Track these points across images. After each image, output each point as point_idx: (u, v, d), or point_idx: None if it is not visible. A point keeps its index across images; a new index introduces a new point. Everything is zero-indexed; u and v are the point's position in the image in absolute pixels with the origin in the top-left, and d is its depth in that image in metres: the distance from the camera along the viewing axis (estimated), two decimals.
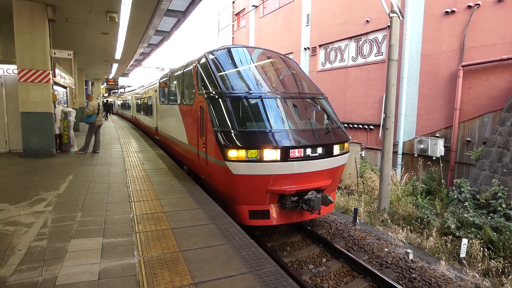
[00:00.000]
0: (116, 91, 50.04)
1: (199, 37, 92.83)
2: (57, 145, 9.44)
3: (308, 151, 5.21)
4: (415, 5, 10.94)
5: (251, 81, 6.20)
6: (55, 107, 9.44)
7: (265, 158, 4.94)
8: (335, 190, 6.50)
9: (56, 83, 10.77)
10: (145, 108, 15.29)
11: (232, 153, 4.99)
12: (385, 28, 11.96)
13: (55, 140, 9.26)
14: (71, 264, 3.07)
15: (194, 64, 6.89)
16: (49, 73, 8.71)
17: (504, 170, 7.38)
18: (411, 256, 5.70)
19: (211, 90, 5.81)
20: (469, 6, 9.39)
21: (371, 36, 12.93)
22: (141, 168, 7.48)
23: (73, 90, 16.45)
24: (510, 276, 5.52)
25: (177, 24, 15.81)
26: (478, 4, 9.21)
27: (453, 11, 9.84)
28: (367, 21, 12.76)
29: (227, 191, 5.44)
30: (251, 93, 5.67)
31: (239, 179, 5.09)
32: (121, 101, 31.54)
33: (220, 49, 6.87)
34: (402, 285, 4.81)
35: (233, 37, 24.20)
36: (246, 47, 7.23)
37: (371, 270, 4.97)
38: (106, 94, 49.90)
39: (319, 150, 5.36)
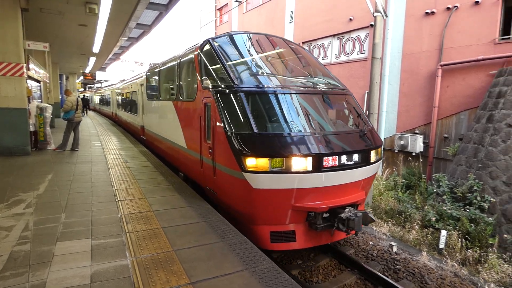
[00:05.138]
0: (92, 85, 48.38)
1: (180, 32, 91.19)
2: (32, 142, 9.01)
3: (344, 158, 4.30)
4: (397, 5, 11.20)
5: (268, 72, 5.30)
6: (29, 102, 9.00)
7: (293, 168, 4.01)
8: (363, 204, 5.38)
9: (29, 77, 10.27)
10: (128, 104, 13.99)
11: (252, 162, 4.05)
12: (368, 26, 12.18)
13: (30, 137, 8.83)
14: (60, 268, 2.95)
15: (196, 53, 5.77)
16: (22, 66, 8.28)
17: (479, 165, 7.73)
18: (395, 249, 5.89)
19: (220, 84, 4.85)
20: (448, 8, 9.73)
21: (354, 34, 13.14)
22: (124, 166, 7.27)
23: (47, 85, 15.75)
24: (486, 265, 5.82)
25: (159, 18, 15.39)
26: (457, 6, 9.55)
27: (433, 12, 10.16)
28: (350, 19, 12.95)
29: (244, 208, 4.48)
30: (273, 87, 4.69)
31: (260, 194, 4.14)
32: (99, 96, 30.31)
33: (224, 35, 5.84)
34: (387, 276, 4.95)
35: (215, 32, 23.92)
36: (251, 33, 6.13)
37: (358, 262, 5.10)
38: (82, 89, 48.13)
39: (355, 157, 4.44)
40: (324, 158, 4.13)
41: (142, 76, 10.93)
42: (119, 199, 4.97)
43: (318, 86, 5.28)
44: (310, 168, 4.06)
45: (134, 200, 4.95)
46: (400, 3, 11.12)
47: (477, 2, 9.09)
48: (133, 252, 3.28)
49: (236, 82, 4.62)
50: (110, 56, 22.63)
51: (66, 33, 12.73)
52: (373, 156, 4.75)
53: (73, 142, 9.26)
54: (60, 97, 22.92)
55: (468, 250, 6.31)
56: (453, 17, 9.65)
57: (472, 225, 6.77)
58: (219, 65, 5.04)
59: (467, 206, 7.31)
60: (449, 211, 7.15)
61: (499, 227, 6.93)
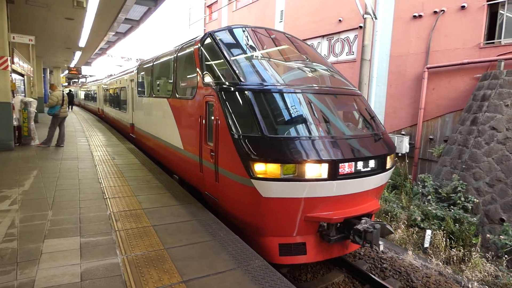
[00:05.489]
0: (77, 80, 47.32)
1: (168, 30, 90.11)
2: (15, 138, 8.75)
3: (360, 165, 3.98)
4: (386, 8, 11.38)
5: (276, 69, 4.97)
6: (13, 96, 8.74)
7: (306, 176, 3.68)
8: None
9: (14, 71, 9.97)
10: (117, 100, 13.32)
11: (262, 168, 3.69)
12: (357, 28, 12.33)
13: (14, 132, 8.57)
14: (49, 266, 2.88)
15: (196, 47, 5.36)
16: (7, 59, 8.03)
17: (463, 166, 7.96)
18: (381, 248, 5.99)
19: (224, 81, 4.49)
20: (435, 12, 9.94)
21: (343, 36, 13.28)
22: (112, 163, 7.16)
23: (31, 79, 15.32)
24: (470, 264, 6.00)
25: (147, 13, 15.20)
26: (443, 10, 9.77)
27: (420, 16, 10.37)
28: (340, 20, 13.08)
29: (250, 218, 4.13)
30: (283, 86, 4.34)
31: (270, 203, 3.81)
32: (85, 92, 29.54)
33: (226, 29, 5.49)
34: (374, 275, 5.04)
35: (204, 29, 23.75)
36: (252, 27, 5.73)
37: (347, 261, 5.17)
38: (66, 84, 47.02)
39: (372, 163, 4.12)
40: (340, 164, 3.79)
41: (132, 71, 10.47)
42: (107, 196, 4.89)
43: (329, 86, 4.95)
44: (325, 176, 3.73)
45: (123, 197, 4.88)
46: (388, 5, 11.30)
47: (463, 7, 9.33)
48: (124, 250, 3.23)
49: (242, 79, 4.26)
50: (96, 50, 22.20)
51: (52, 26, 12.41)
52: (388, 162, 4.47)
53: (58, 138, 9.05)
54: (47, 92, 22.34)
55: (452, 249, 6.49)
56: (440, 21, 9.88)
57: (456, 225, 6.96)
58: (222, 60, 4.65)
59: (452, 206, 7.51)
60: (434, 211, 7.33)
61: (482, 227, 7.15)
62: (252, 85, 4.21)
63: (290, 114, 4.16)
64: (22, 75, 13.15)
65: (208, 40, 5.14)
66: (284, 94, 4.24)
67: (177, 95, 6.06)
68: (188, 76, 5.83)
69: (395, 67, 11.19)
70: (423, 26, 10.33)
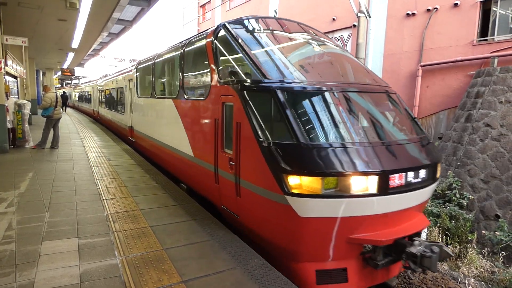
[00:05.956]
0: (70, 81, 46.94)
1: (161, 30, 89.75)
2: (10, 140, 8.67)
3: (410, 175, 3.37)
4: (379, 6, 11.45)
5: (305, 64, 4.34)
6: (7, 98, 8.65)
7: (352, 190, 3.08)
8: None
9: (7, 73, 9.87)
10: (114, 101, 12.73)
11: (299, 182, 3.10)
12: (351, 27, 12.39)
13: (8, 134, 8.49)
14: (48, 267, 2.86)
15: (209, 40, 4.70)
16: (0, 61, 7.95)
17: (458, 163, 8.04)
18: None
19: (245, 78, 3.89)
20: (428, 10, 10.03)
21: (337, 34, 13.33)
22: (107, 164, 7.12)
23: (24, 81, 15.17)
24: (466, 260, 6.06)
25: (141, 13, 15.12)
26: (436, 8, 9.86)
27: (413, 14, 10.45)
28: (334, 19, 13.13)
29: (284, 241, 3.48)
30: (320, 84, 3.75)
31: (309, 224, 3.20)
32: (79, 93, 29.20)
33: (239, 20, 4.73)
34: None
35: (198, 29, 23.71)
36: (264, 17, 5.12)
37: None
38: (59, 85, 46.64)
39: (423, 173, 3.50)
40: (390, 176, 3.20)
41: (130, 71, 9.86)
42: (104, 197, 4.87)
43: (366, 82, 4.27)
44: (374, 190, 3.13)
45: (120, 198, 4.85)
46: (382, 4, 11.38)
47: (456, 4, 9.42)
48: (122, 251, 3.22)
49: (269, 76, 3.63)
50: (89, 51, 22.04)
51: (44, 28, 12.31)
52: (438, 170, 3.88)
53: (52, 140, 8.98)
54: (40, 94, 22.14)
55: (448, 246, 6.55)
56: (433, 18, 9.96)
57: (452, 221, 7.02)
58: (241, 55, 4.02)
59: (447, 203, 7.59)
60: (429, 208, 7.40)
61: (478, 223, 7.23)
62: (284, 82, 3.56)
63: (329, 116, 3.50)
64: (15, 77, 13.02)
65: (223, 32, 4.49)
66: (322, 93, 3.62)
67: (184, 96, 5.44)
68: (198, 74, 5.25)
69: (389, 65, 11.27)
70: (416, 24, 10.41)
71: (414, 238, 3.44)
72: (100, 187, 5.40)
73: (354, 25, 10.97)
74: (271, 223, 3.51)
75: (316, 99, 3.60)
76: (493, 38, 9.08)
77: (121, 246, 3.34)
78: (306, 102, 3.58)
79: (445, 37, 9.71)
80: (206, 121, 4.62)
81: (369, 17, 8.49)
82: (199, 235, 3.71)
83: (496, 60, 8.38)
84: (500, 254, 6.22)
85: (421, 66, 10.16)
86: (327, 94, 3.62)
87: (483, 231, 6.83)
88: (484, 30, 9.29)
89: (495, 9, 9.11)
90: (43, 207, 4.39)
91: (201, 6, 23.72)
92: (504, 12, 9.04)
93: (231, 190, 3.96)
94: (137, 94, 8.72)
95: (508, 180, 7.18)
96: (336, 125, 3.44)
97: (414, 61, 10.49)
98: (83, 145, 9.62)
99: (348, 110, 3.67)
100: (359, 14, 8.28)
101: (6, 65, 8.86)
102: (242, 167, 3.71)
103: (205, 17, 23.50)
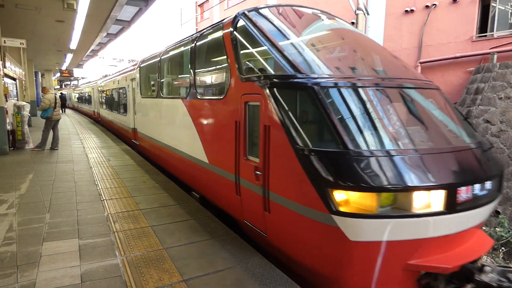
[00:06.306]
0: (69, 83, 46.96)
1: (159, 30, 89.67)
2: (10, 142, 8.68)
3: (477, 188, 2.76)
4: (377, 3, 11.43)
5: (341, 57, 3.82)
6: (6, 100, 8.66)
7: (414, 208, 2.53)
8: None
9: (5, 75, 9.87)
10: (115, 102, 12.22)
11: (349, 199, 2.56)
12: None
13: (8, 136, 8.50)
14: (49, 268, 2.88)
15: (227, 31, 4.08)
16: None
17: None
18: None
19: (274, 73, 3.39)
20: (427, 6, 10.02)
21: None
22: (107, 165, 7.13)
23: (23, 82, 15.18)
24: None
25: (139, 13, 15.13)
26: (435, 4, 9.84)
27: (412, 10, 10.44)
28: None
29: (328, 268, 2.86)
30: (368, 80, 3.15)
31: (361, 249, 2.64)
32: (79, 94, 29.11)
33: (256, 9, 4.08)
34: None
35: (196, 28, 23.70)
36: (281, 5, 4.38)
37: None
38: (58, 87, 46.65)
39: (488, 185, 2.88)
40: (457, 189, 2.62)
41: (133, 69, 9.35)
42: (104, 198, 4.88)
43: (409, 77, 3.62)
44: (440, 207, 2.57)
45: (120, 199, 4.86)
46: (380, 1, 11.36)
47: (455, 0, 9.41)
48: (123, 251, 3.23)
49: (303, 71, 3.07)
50: (87, 52, 22.03)
51: (43, 29, 12.31)
52: (503, 180, 3.32)
53: (52, 141, 8.99)
54: (39, 95, 22.16)
55: None
56: (432, 15, 9.95)
57: None
58: (265, 47, 3.49)
59: None
60: None
61: None
62: (324, 78, 3.02)
63: (384, 118, 2.89)
64: (14, 79, 13.02)
65: (243, 22, 3.90)
66: (374, 91, 3.05)
67: (197, 95, 4.90)
68: (213, 70, 4.74)
69: None
70: (415, 21, 10.40)
71: (483, 263, 2.83)
72: (100, 187, 5.42)
73: (353, 23, 10.92)
74: (310, 246, 2.92)
75: (367, 98, 2.98)
76: (493, 34, 9.07)
77: (121, 246, 3.35)
78: (355, 102, 2.96)
79: (444, 33, 9.71)
80: (224, 123, 4.05)
81: (368, 14, 8.48)
82: (200, 234, 3.73)
83: (495, 56, 8.37)
84: (500, 250, 6.23)
85: (420, 63, 10.15)
86: (380, 92, 3.07)
87: (483, 227, 6.84)
88: (484, 26, 9.28)
89: (494, 5, 9.10)
90: (43, 208, 4.40)
91: (199, 5, 23.69)
92: (503, 8, 9.03)
93: (257, 204, 3.40)
94: (141, 94, 8.23)
95: (508, 176, 7.18)
96: (392, 129, 2.85)
97: (413, 58, 10.49)
98: (83, 146, 9.63)
99: (405, 111, 3.13)
100: (358, 12, 8.27)
101: (4, 67, 8.86)
102: (272, 178, 3.16)
103: (203, 16, 23.48)
